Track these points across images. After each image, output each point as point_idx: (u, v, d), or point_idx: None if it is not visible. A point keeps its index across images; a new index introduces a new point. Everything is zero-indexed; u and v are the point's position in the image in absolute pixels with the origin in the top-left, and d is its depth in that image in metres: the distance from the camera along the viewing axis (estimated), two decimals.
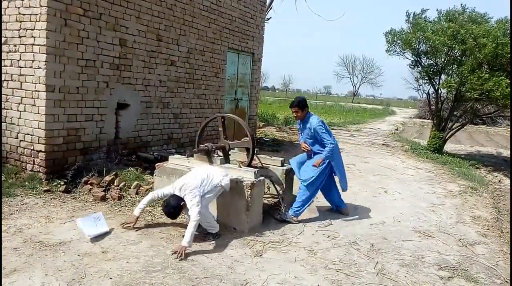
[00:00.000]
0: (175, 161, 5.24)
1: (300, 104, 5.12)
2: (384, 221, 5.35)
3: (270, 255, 3.98)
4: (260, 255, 3.94)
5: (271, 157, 5.89)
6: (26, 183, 5.30)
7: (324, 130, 5.07)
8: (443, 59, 11.08)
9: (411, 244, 4.60)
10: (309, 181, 5.03)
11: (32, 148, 5.52)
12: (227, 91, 9.32)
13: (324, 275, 3.65)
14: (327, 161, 5.09)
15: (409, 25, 11.49)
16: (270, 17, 16.20)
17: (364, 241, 4.58)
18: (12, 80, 5.61)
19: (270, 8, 16.17)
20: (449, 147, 13.57)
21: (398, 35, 11.44)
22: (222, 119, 5.32)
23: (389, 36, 11.76)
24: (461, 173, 9.03)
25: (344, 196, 6.37)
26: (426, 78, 11.83)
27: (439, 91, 12.01)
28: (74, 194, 5.24)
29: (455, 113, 12.19)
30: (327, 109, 36.19)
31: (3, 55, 5.62)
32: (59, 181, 5.34)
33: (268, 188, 5.43)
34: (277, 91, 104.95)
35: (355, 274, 3.73)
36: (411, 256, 4.27)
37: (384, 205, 6.13)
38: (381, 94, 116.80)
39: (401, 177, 8.25)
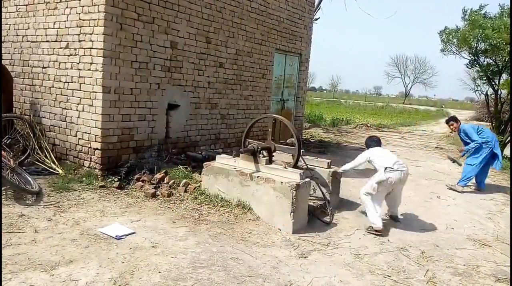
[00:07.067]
0: (222, 160, 5.34)
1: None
2: (436, 228, 5.13)
3: (315, 257, 3.94)
4: (305, 257, 3.91)
5: (317, 158, 5.84)
6: (84, 178, 5.62)
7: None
8: (504, 58, 10.42)
9: (465, 253, 4.38)
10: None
11: (89, 145, 5.84)
12: (274, 92, 9.33)
13: (371, 280, 3.56)
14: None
15: (465, 22, 10.91)
16: (319, 17, 16.08)
17: (414, 247, 4.41)
18: (72, 82, 5.96)
19: (319, 9, 16.02)
20: (509, 151, 12.72)
21: (453, 34, 10.91)
22: (273, 121, 5.33)
23: (444, 35, 11.25)
24: None
25: None
26: (485, 78, 11.20)
27: (499, 92, 11.33)
28: (126, 190, 5.49)
29: None
30: (377, 111, 35.13)
31: (65, 58, 6.01)
32: (113, 178, 5.62)
33: (314, 190, 5.38)
34: (325, 91, 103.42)
35: (404, 281, 3.61)
36: (465, 265, 4.06)
37: (436, 211, 5.87)
38: (434, 95, 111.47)
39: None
